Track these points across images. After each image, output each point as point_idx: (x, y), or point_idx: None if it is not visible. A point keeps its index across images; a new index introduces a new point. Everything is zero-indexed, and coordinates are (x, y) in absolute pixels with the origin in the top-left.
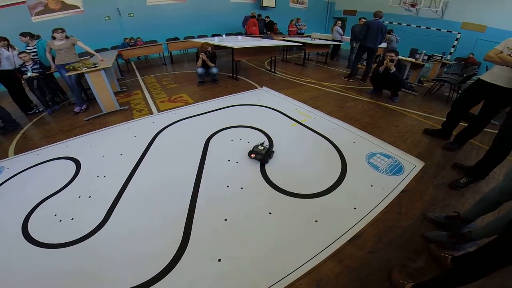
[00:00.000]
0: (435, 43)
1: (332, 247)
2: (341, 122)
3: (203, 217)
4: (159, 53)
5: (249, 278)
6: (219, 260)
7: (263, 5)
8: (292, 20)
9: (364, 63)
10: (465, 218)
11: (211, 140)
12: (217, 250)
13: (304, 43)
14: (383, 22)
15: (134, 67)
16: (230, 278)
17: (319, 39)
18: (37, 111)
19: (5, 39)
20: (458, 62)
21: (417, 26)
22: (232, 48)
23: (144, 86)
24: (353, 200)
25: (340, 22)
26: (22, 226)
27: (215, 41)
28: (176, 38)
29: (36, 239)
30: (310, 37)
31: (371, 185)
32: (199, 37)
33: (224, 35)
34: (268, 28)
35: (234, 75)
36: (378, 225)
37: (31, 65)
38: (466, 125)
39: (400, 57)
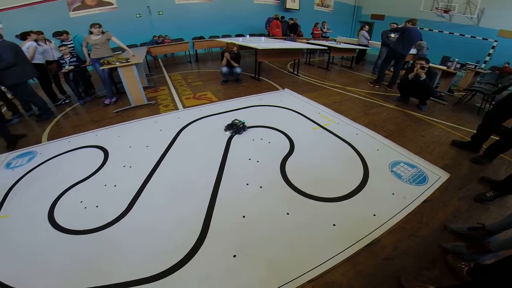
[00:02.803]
0: (469, 50)
1: (347, 251)
2: (365, 128)
3: (222, 213)
4: (185, 51)
5: (262, 276)
6: (234, 256)
7: (287, 7)
8: (317, 23)
9: (391, 69)
10: (491, 231)
11: (233, 138)
12: (233, 246)
13: (329, 47)
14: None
15: (161, 64)
16: (243, 274)
17: (345, 43)
18: (63, 102)
19: (42, 32)
20: (493, 71)
21: (449, 33)
22: (256, 49)
23: (171, 83)
24: (373, 207)
25: (367, 26)
26: (49, 210)
27: (240, 41)
28: (201, 37)
29: (61, 224)
30: (335, 40)
31: (393, 193)
32: (223, 36)
33: (247, 36)
34: (291, 30)
35: (257, 76)
36: (397, 233)
37: (69, 57)
38: (498, 138)
39: (431, 64)
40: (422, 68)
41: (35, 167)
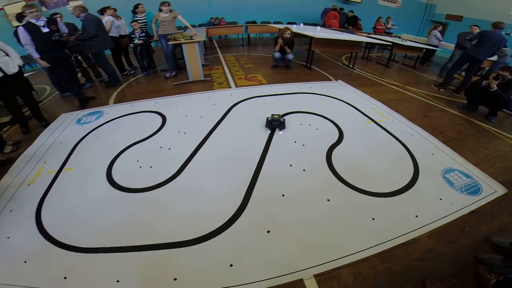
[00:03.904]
0: None
1: (380, 246)
2: (422, 130)
3: (263, 188)
4: (238, 34)
5: (291, 255)
6: (268, 232)
7: None
8: (380, 18)
9: (463, 73)
10: None
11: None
12: (268, 221)
13: (392, 43)
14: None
15: (216, 44)
16: (274, 250)
17: (410, 41)
18: (128, 73)
19: (115, 9)
20: None
21: None
22: (311, 38)
23: (224, 63)
24: (416, 208)
25: (440, 26)
26: (108, 167)
27: (294, 28)
28: (254, 22)
29: (116, 181)
30: (399, 37)
31: (440, 199)
32: (274, 23)
33: (301, 24)
34: (350, 23)
35: (308, 64)
36: (435, 237)
37: (139, 32)
38: None
39: None
40: (496, 78)
41: (101, 125)
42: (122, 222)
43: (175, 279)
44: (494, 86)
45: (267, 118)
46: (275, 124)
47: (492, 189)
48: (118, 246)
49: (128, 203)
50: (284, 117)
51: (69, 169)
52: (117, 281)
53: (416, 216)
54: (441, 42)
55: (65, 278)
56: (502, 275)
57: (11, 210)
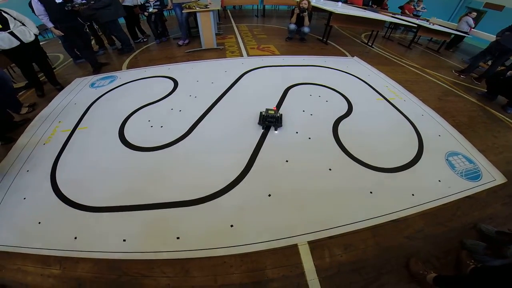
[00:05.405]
0: None
1: (373, 220)
2: (433, 112)
3: (267, 153)
4: (253, 5)
5: (289, 220)
6: (269, 195)
7: None
8: (411, 1)
9: (489, 63)
10: None
11: (290, 90)
12: (270, 185)
13: (418, 25)
14: None
15: (230, 14)
16: (272, 214)
17: (439, 25)
18: (141, 41)
19: None
20: None
21: None
22: (331, 12)
23: (238, 32)
24: (414, 187)
25: (475, 13)
26: (120, 126)
27: (313, 2)
28: None
29: (128, 139)
30: (427, 20)
31: (439, 180)
32: None
33: None
34: (375, 1)
35: (324, 39)
36: (427, 217)
37: (154, 1)
38: None
39: None
40: None
41: (113, 88)
42: (131, 180)
43: (178, 238)
44: None
45: (261, 112)
46: (270, 121)
47: (492, 177)
48: (126, 205)
49: (138, 162)
50: (281, 113)
51: (83, 128)
52: (124, 240)
53: (413, 195)
54: (471, 29)
55: (75, 238)
56: (480, 262)
57: (27, 171)
